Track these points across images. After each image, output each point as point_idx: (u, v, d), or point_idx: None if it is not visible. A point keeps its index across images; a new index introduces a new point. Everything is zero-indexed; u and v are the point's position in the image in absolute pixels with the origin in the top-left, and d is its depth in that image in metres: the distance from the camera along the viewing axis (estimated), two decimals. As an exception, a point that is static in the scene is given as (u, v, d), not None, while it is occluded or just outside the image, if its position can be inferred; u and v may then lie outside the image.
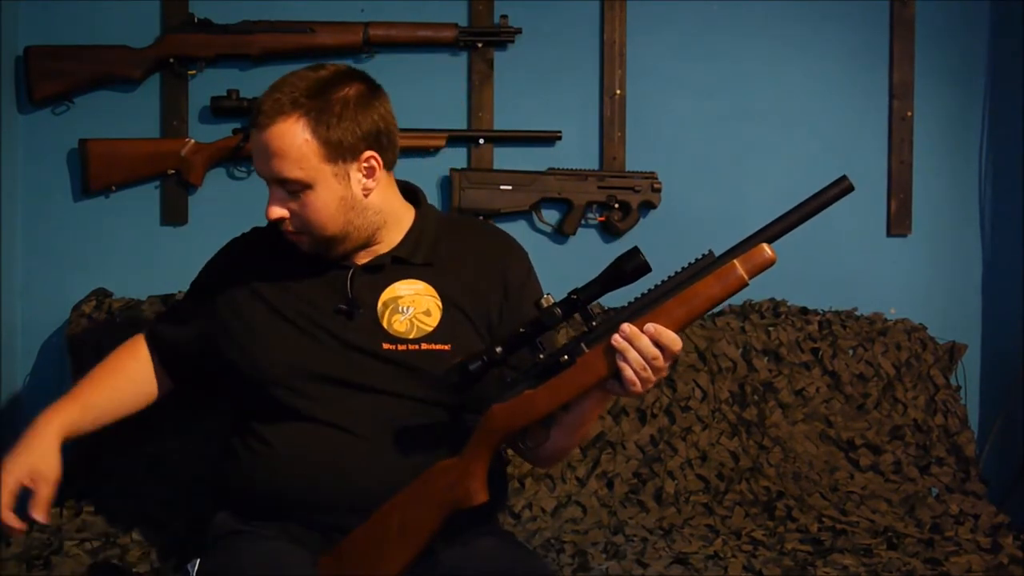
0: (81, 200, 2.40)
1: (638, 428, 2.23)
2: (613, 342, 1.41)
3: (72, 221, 2.40)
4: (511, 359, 1.48)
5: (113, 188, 2.37)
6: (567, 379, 1.45)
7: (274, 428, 1.63)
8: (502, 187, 2.39)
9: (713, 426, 2.24)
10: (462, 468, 1.50)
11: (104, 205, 2.40)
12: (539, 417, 1.47)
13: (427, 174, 2.39)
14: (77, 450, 1.90)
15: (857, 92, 2.52)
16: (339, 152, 1.58)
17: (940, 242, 2.54)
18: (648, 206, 2.43)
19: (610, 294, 1.45)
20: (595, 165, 2.46)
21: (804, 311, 2.38)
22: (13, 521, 1.56)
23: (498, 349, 1.47)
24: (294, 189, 1.59)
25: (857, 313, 2.40)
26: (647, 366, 1.41)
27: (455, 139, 2.41)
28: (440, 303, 1.66)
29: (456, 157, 2.43)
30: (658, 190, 2.42)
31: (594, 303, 1.50)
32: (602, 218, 2.43)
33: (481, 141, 2.42)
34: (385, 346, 1.62)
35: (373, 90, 1.63)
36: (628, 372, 1.41)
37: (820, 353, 2.32)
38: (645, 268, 1.42)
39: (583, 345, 1.45)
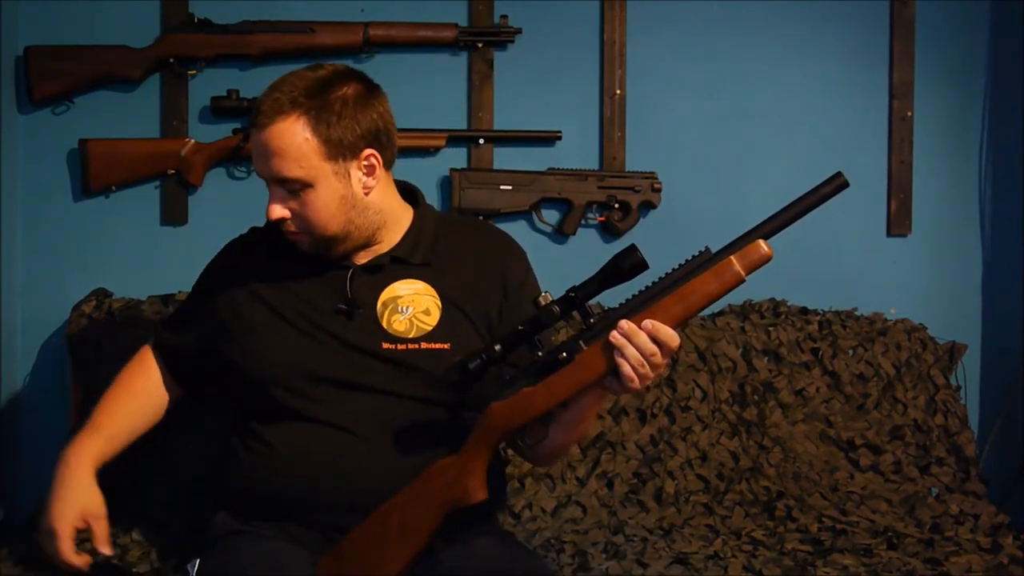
0: (81, 200, 2.40)
1: (638, 428, 2.23)
2: (611, 339, 1.42)
3: (72, 221, 2.40)
4: (510, 357, 1.48)
5: (113, 188, 2.37)
6: (566, 376, 1.45)
7: (274, 428, 1.63)
8: (502, 187, 2.39)
9: (713, 426, 2.24)
10: (461, 466, 1.50)
11: (104, 205, 2.40)
12: (538, 415, 1.48)
13: (427, 174, 2.39)
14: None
15: (857, 92, 2.51)
16: (339, 150, 1.58)
17: (940, 242, 2.54)
18: (648, 206, 2.43)
19: (608, 292, 1.45)
20: (595, 165, 2.46)
21: (804, 311, 2.38)
22: (80, 561, 1.60)
23: (497, 347, 1.47)
24: (295, 188, 1.59)
25: (857, 313, 2.40)
26: (645, 362, 1.41)
27: (455, 139, 2.41)
28: (439, 302, 1.66)
29: (456, 157, 2.43)
30: (658, 190, 2.42)
31: (592, 303, 1.50)
32: (602, 218, 2.43)
33: (481, 141, 2.42)
34: (385, 346, 1.62)
35: (371, 89, 1.64)
36: (626, 368, 1.41)
37: (820, 353, 2.32)
38: (642, 265, 1.42)
39: (581, 342, 1.45)
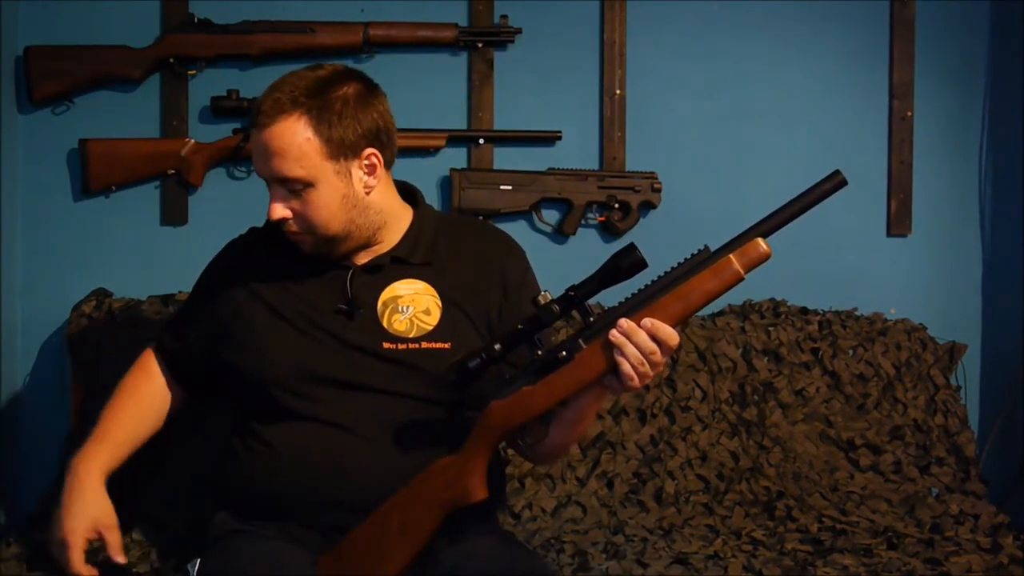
0: (81, 200, 2.40)
1: (638, 428, 2.23)
2: (610, 337, 1.42)
3: (72, 221, 2.40)
4: (510, 356, 1.48)
5: (113, 188, 2.37)
6: (565, 375, 1.45)
7: (274, 428, 1.63)
8: (502, 187, 2.39)
9: (713, 426, 2.24)
10: (460, 465, 1.50)
11: (104, 205, 2.40)
12: (538, 413, 1.48)
13: (427, 174, 2.40)
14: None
15: (857, 92, 2.51)
16: (341, 150, 1.58)
17: (940, 242, 2.54)
18: (648, 206, 2.43)
19: (607, 291, 1.45)
20: (595, 165, 2.46)
21: (804, 311, 2.38)
22: (89, 573, 1.60)
23: (496, 346, 1.47)
24: (296, 188, 1.59)
25: (857, 313, 2.40)
26: (644, 361, 1.41)
27: (455, 139, 2.41)
28: (439, 302, 1.66)
29: (456, 157, 2.43)
30: (658, 190, 2.42)
31: (592, 302, 1.50)
32: (602, 218, 2.43)
33: (481, 141, 2.42)
34: (385, 345, 1.62)
35: (371, 89, 1.64)
36: (626, 367, 1.42)
37: (820, 353, 2.32)
38: (641, 264, 1.42)
39: (581, 341, 1.45)
